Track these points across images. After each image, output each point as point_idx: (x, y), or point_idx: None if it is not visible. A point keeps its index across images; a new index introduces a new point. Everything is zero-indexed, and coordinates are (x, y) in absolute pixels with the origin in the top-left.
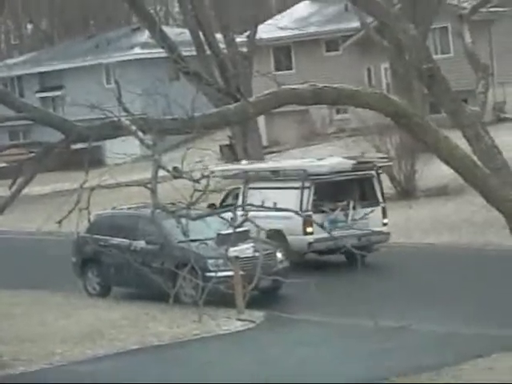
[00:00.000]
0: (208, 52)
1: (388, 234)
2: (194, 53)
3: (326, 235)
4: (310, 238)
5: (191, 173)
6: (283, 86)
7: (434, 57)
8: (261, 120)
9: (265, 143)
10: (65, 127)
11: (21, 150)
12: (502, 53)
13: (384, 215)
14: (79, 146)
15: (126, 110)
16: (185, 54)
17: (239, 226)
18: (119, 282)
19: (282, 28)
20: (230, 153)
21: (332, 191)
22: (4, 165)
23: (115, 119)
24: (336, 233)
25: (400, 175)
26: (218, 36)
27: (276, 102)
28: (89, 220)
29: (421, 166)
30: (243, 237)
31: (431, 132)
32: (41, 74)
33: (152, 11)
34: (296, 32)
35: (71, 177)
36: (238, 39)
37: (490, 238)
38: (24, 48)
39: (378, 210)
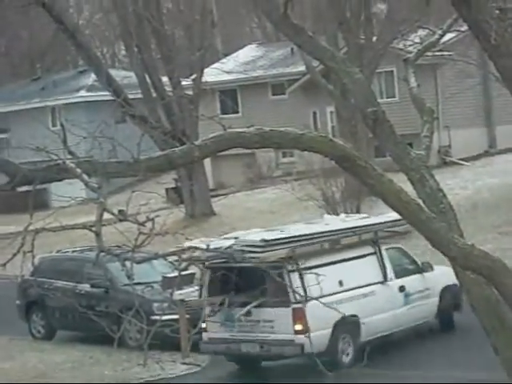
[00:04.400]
0: (154, 95)
1: (301, 345)
2: (140, 95)
3: (224, 335)
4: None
5: (136, 216)
6: (229, 130)
7: (380, 100)
8: (207, 163)
9: (211, 186)
10: (9, 169)
11: None
12: (447, 96)
13: (297, 320)
14: (24, 188)
15: (71, 152)
16: (131, 96)
17: (184, 269)
18: (64, 326)
19: (227, 72)
20: (175, 196)
21: (235, 278)
22: None
23: (60, 162)
24: (233, 334)
25: None
26: (164, 79)
27: (222, 145)
28: (33, 263)
29: (366, 209)
30: (188, 280)
31: (375, 175)
32: None
33: (98, 53)
34: (242, 75)
35: (15, 219)
36: (184, 82)
37: None
38: None
39: (288, 312)
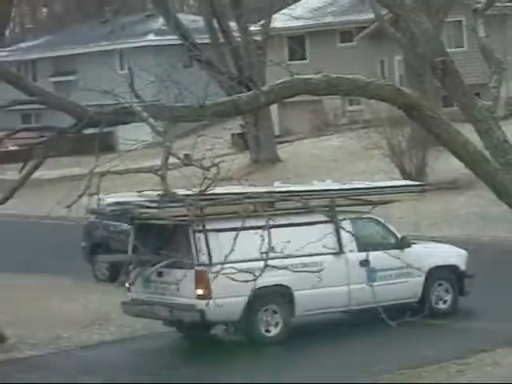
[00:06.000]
0: (222, 40)
1: (201, 311)
2: (208, 40)
3: (142, 296)
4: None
5: (202, 161)
6: (296, 76)
7: (448, 50)
8: (273, 109)
9: (277, 132)
10: (77, 112)
11: (32, 133)
12: None
13: (199, 283)
14: (91, 131)
15: (137, 96)
16: (199, 41)
17: None
18: None
19: (296, 17)
20: (241, 141)
21: (150, 237)
22: (15, 148)
23: (127, 105)
24: (149, 296)
25: (411, 168)
26: (233, 24)
27: (288, 91)
28: (98, 205)
29: (432, 159)
30: None
31: (442, 125)
32: (55, 58)
33: None
34: (310, 22)
35: (82, 162)
36: (252, 28)
37: (499, 232)
38: (38, 32)
39: (191, 275)
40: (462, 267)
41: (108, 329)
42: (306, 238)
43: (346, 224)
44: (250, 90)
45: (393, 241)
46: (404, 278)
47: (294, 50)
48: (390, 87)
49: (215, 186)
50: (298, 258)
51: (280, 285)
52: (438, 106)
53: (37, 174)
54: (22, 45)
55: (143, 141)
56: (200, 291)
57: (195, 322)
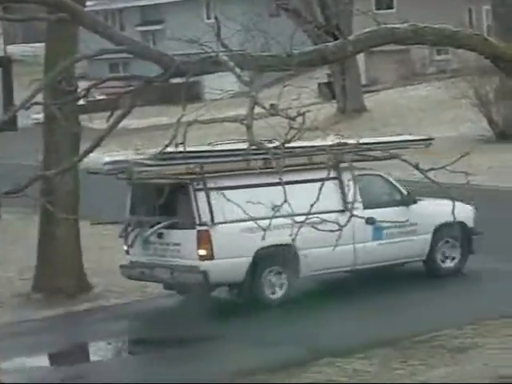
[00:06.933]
0: None
1: (205, 272)
2: None
3: (141, 258)
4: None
5: (287, 110)
6: (383, 25)
7: None
8: (360, 58)
9: (363, 82)
10: (163, 61)
11: (119, 82)
12: None
13: (201, 244)
14: (177, 80)
15: (224, 45)
16: None
17: None
18: None
19: None
20: (327, 91)
21: (148, 197)
22: (103, 97)
23: (213, 54)
24: (149, 258)
25: (498, 117)
26: None
27: (375, 41)
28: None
29: None
30: None
31: None
32: (141, 7)
33: None
34: None
35: (169, 111)
36: None
37: None
38: None
39: (193, 235)
40: (470, 224)
41: None
42: (310, 196)
43: (349, 181)
44: (336, 39)
45: (398, 197)
46: (410, 235)
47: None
48: (477, 37)
49: (300, 136)
50: (303, 217)
51: (284, 244)
52: None
53: (124, 123)
54: None
55: (229, 90)
56: (203, 252)
57: (198, 284)
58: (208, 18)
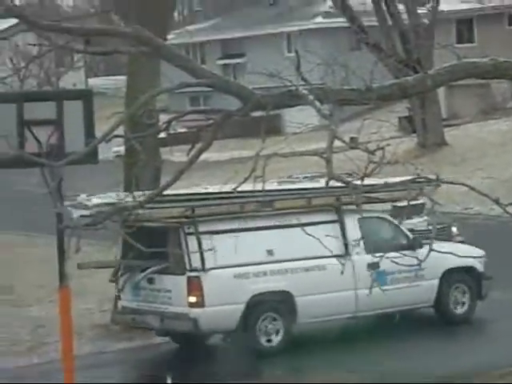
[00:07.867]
0: (390, 22)
1: (195, 320)
2: (376, 23)
3: (132, 304)
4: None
5: (367, 144)
6: (464, 59)
7: None
8: (441, 92)
9: (444, 115)
10: (243, 95)
11: (200, 116)
12: None
13: (191, 291)
14: (258, 113)
15: (304, 79)
16: (366, 24)
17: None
18: None
19: (464, 1)
20: (407, 125)
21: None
22: (183, 130)
23: (293, 88)
24: (139, 304)
25: None
26: (400, 7)
27: (455, 75)
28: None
29: None
30: (418, 210)
31: None
32: (222, 41)
33: None
34: (478, 5)
35: (249, 144)
36: (420, 11)
37: None
38: (207, 14)
39: (183, 281)
40: (480, 269)
41: None
42: (307, 240)
43: (353, 224)
44: (417, 72)
45: (404, 241)
46: (416, 281)
47: (462, 33)
48: None
49: (380, 170)
50: (300, 262)
51: (280, 291)
52: None
53: (204, 156)
54: (190, 28)
55: (308, 124)
56: (193, 299)
57: (188, 332)
58: (289, 51)
